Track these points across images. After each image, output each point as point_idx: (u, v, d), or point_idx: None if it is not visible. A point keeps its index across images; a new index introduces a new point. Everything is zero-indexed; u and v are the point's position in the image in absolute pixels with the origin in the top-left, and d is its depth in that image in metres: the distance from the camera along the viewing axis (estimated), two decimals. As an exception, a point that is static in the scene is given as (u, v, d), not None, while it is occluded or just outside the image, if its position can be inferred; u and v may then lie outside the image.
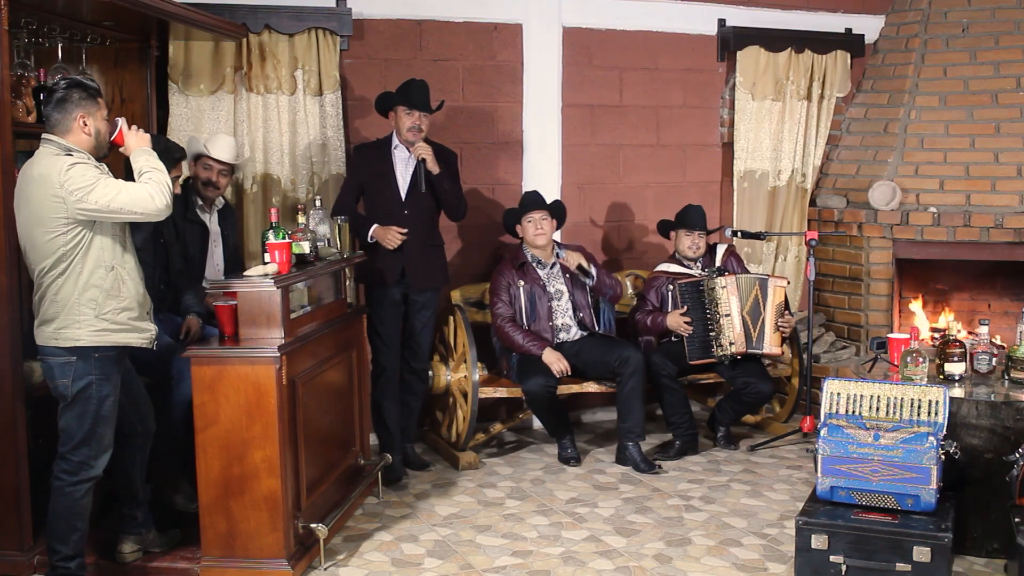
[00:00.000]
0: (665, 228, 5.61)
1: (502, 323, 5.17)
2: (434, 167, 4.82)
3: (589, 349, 5.21)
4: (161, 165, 3.54)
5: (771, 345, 5.36)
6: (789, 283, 5.55)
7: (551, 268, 5.27)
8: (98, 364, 3.49)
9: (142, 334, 3.60)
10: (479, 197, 5.76)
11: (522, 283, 5.19)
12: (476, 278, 5.74)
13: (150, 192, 3.43)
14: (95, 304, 3.46)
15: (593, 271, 5.26)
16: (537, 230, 5.19)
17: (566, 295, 5.27)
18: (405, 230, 4.83)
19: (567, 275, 5.26)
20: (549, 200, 5.30)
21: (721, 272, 5.45)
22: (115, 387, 3.57)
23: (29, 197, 3.41)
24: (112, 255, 3.50)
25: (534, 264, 5.25)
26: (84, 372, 3.48)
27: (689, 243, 5.48)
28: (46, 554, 3.65)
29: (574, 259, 5.22)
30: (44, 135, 3.47)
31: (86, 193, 3.35)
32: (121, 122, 3.58)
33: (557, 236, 5.55)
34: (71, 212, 3.37)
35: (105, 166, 3.55)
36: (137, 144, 3.56)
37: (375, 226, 4.87)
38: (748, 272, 5.62)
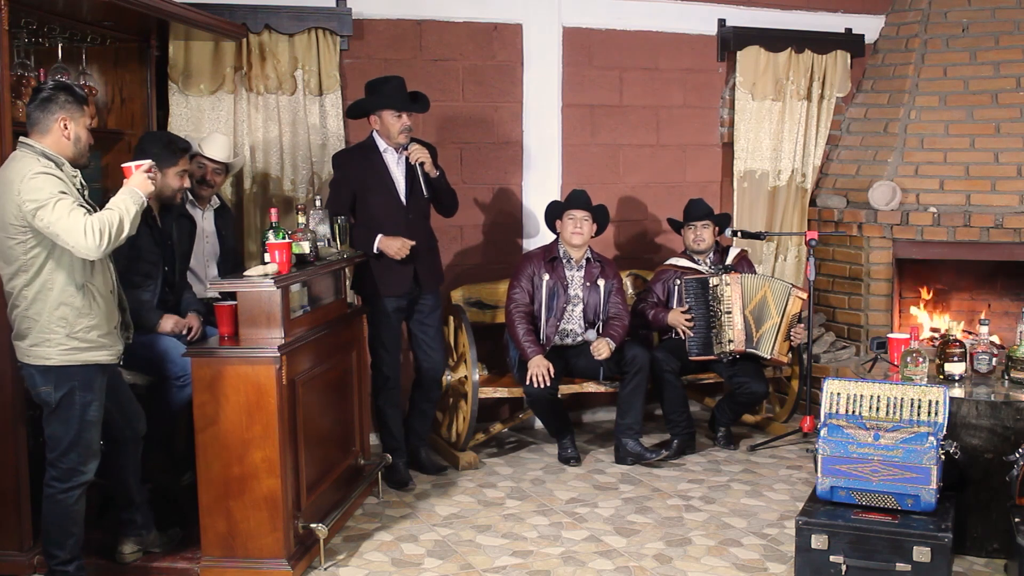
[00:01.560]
0: (676, 226, 5.64)
1: (514, 309, 5.16)
2: (432, 170, 4.74)
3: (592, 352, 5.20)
4: (129, 211, 3.35)
5: (778, 353, 5.36)
6: (808, 296, 5.39)
7: (579, 271, 5.26)
8: (79, 372, 3.46)
9: (110, 350, 3.56)
10: (479, 197, 5.76)
11: (547, 276, 5.19)
12: (476, 278, 5.73)
13: (89, 227, 3.24)
14: (66, 323, 3.41)
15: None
16: (575, 229, 5.18)
17: (581, 304, 5.26)
18: (413, 242, 4.71)
19: (588, 284, 5.25)
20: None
21: (728, 271, 5.46)
22: (99, 392, 3.53)
23: None
24: (83, 272, 3.43)
25: (564, 261, 5.25)
26: (66, 380, 3.45)
27: (693, 236, 5.52)
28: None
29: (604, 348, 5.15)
30: (21, 139, 3.41)
31: (37, 207, 3.26)
32: (150, 164, 3.50)
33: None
34: (26, 220, 3.29)
35: (80, 176, 3.48)
36: (134, 184, 3.43)
37: (380, 236, 4.73)
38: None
